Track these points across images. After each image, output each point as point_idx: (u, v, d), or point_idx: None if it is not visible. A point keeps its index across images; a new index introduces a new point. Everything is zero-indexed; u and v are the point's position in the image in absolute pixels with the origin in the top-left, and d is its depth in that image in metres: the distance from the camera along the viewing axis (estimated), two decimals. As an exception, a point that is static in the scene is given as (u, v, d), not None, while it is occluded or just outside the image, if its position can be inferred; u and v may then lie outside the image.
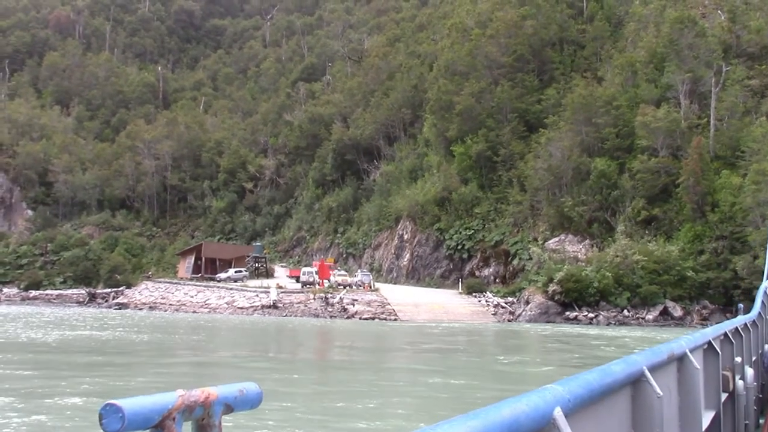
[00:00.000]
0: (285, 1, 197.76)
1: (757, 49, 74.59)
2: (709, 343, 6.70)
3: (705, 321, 59.38)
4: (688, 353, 5.24)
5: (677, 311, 60.26)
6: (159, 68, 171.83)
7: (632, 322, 58.87)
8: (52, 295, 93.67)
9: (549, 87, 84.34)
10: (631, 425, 3.72)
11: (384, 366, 28.75)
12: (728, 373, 7.40)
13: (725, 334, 7.58)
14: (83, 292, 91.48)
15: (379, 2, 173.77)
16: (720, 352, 6.94)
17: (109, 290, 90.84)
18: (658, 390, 3.76)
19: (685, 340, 5.41)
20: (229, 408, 1.87)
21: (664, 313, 60.25)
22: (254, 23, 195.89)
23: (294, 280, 78.45)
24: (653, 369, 3.92)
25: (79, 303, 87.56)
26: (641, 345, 36.98)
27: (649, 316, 59.74)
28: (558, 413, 2.23)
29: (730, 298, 60.62)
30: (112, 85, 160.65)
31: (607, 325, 57.49)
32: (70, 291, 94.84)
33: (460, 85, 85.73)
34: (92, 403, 15.90)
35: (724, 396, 7.14)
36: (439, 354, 33.20)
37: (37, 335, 38.96)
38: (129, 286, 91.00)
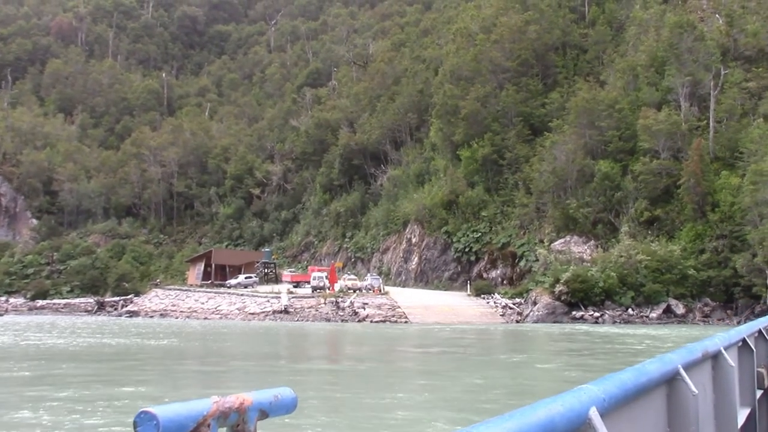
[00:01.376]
0: (289, 7, 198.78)
1: (754, 52, 76.05)
2: (744, 340, 6.61)
3: (707, 318, 61.03)
4: (723, 351, 5.23)
5: (680, 309, 61.73)
6: (163, 75, 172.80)
7: (637, 320, 60.32)
8: (59, 304, 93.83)
9: (553, 91, 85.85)
10: (666, 424, 3.76)
11: (416, 368, 30.21)
12: (763, 370, 7.32)
13: (759, 332, 7.45)
14: (91, 300, 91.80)
15: (383, 7, 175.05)
16: (755, 350, 6.84)
17: (118, 298, 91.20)
18: (693, 388, 3.79)
19: (719, 337, 5.41)
20: (264, 414, 1.89)
21: (667, 311, 61.70)
22: (258, 29, 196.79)
23: (293, 286, 79.32)
24: (688, 367, 3.94)
25: (88, 312, 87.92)
26: (645, 342, 38.52)
27: (653, 315, 61.19)
28: (593, 413, 2.25)
29: (731, 295, 62.32)
30: (115, 92, 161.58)
31: (613, 323, 58.91)
32: (77, 300, 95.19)
33: (465, 89, 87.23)
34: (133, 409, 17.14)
35: (759, 393, 7.02)
36: (461, 354, 34.61)
37: (65, 342, 40.48)
38: (137, 294, 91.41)
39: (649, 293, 61.97)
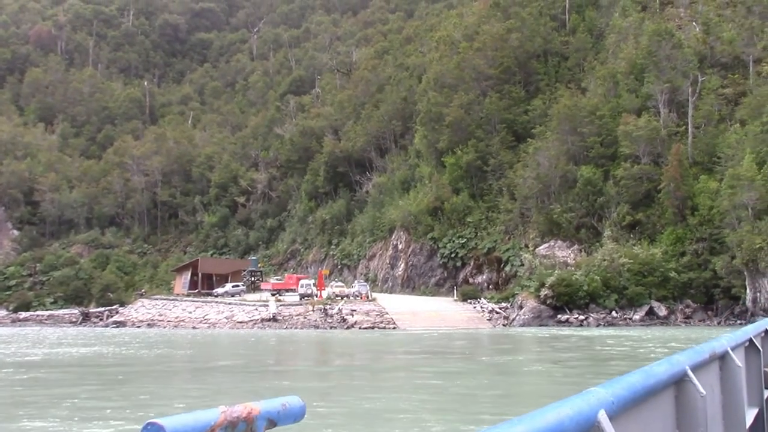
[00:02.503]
0: (271, 14, 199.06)
1: (730, 59, 77.87)
2: (750, 340, 6.63)
3: (688, 319, 62.36)
4: (730, 351, 5.25)
5: (662, 311, 63.01)
6: (145, 83, 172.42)
7: (620, 322, 61.47)
8: (43, 315, 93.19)
9: (535, 98, 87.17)
10: (675, 425, 3.78)
11: (415, 370, 30.99)
12: None
13: (766, 331, 7.42)
14: (76, 311, 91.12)
15: (366, 14, 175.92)
16: (761, 349, 6.83)
17: (103, 309, 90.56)
18: (701, 389, 3.80)
19: (726, 338, 5.42)
20: (272, 423, 1.87)
21: (650, 313, 62.92)
22: (241, 36, 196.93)
23: (271, 294, 79.53)
24: (695, 368, 3.95)
25: (73, 323, 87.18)
26: (628, 343, 39.58)
27: (636, 317, 62.41)
28: (602, 416, 2.25)
29: (711, 297, 63.78)
30: (96, 101, 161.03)
31: (597, 326, 60.03)
32: (61, 311, 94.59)
33: (449, 97, 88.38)
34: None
35: (767, 393, 6.99)
36: (454, 358, 35.47)
37: (57, 352, 40.92)
38: (122, 305, 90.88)
39: (632, 296, 63.18)
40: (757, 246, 57.04)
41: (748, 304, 59.60)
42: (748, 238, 57.77)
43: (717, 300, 63.58)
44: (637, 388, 2.81)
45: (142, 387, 25.17)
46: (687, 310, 63.63)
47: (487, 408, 18.74)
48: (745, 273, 59.23)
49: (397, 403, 19.74)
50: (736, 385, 5.24)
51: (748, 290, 59.34)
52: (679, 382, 3.78)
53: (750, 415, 6.08)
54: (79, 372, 30.39)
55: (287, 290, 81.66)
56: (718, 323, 61.01)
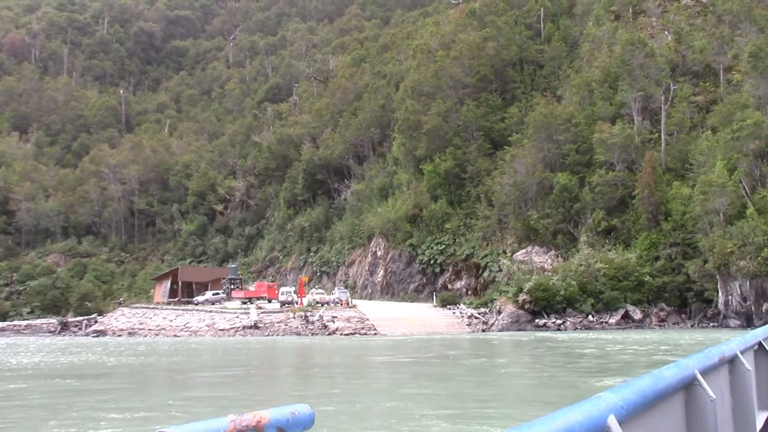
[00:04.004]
0: (247, 22, 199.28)
1: (701, 68, 79.72)
2: (760, 344, 6.62)
3: (662, 322, 63.68)
4: (739, 355, 5.25)
5: (637, 314, 64.27)
6: (120, 91, 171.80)
7: (597, 326, 62.56)
8: (20, 325, 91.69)
9: (511, 106, 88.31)
10: (684, 429, 3.77)
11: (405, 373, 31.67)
12: None
13: None
14: (54, 321, 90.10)
15: (342, 21, 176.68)
16: None
17: (81, 318, 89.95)
18: (711, 393, 3.79)
19: (736, 342, 5.41)
20: (281, 431, 1.89)
21: (626, 316, 64.11)
22: (216, 44, 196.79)
23: (242, 303, 79.65)
24: (705, 372, 3.95)
25: (51, 332, 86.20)
26: (602, 345, 40.60)
27: (612, 320, 63.59)
28: (612, 421, 2.26)
29: (685, 300, 65.24)
30: (72, 109, 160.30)
31: (574, 330, 61.06)
32: (39, 321, 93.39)
33: (426, 105, 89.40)
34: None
35: None
36: (439, 363, 36.21)
37: (48, 361, 41.10)
38: (101, 314, 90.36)
39: (608, 300, 64.38)
40: (728, 250, 58.51)
41: (720, 306, 61.08)
42: (720, 242, 59.25)
43: (690, 303, 65.02)
44: (646, 392, 2.86)
45: (159, 395, 25.63)
46: (661, 313, 64.93)
47: (476, 409, 19.48)
48: (717, 276, 60.67)
49: (396, 405, 20.39)
50: (745, 389, 5.26)
51: (719, 293, 60.79)
52: (688, 386, 3.82)
53: (760, 419, 6.05)
54: (82, 379, 30.72)
55: (258, 298, 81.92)
56: (692, 326, 62.48)
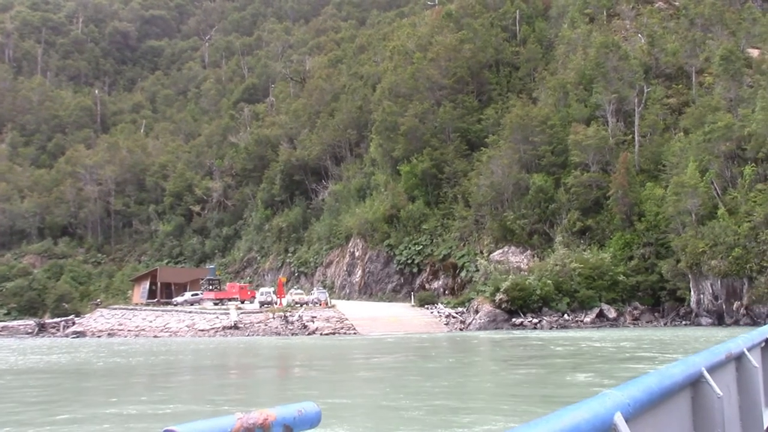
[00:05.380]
0: (222, 22, 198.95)
1: (673, 70, 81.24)
2: (767, 341, 6.62)
3: (636, 321, 64.87)
4: (746, 352, 5.23)
5: (612, 313, 65.35)
6: (95, 91, 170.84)
7: (572, 325, 63.56)
8: None
9: (488, 107, 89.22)
10: (692, 427, 3.77)
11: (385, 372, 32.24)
12: None
13: None
14: (31, 322, 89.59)
15: (318, 22, 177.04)
16: None
17: (59, 320, 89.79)
18: (718, 390, 3.79)
19: (742, 339, 5.40)
20: (288, 429, 1.90)
21: (600, 315, 65.14)
22: (192, 44, 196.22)
23: (214, 304, 79.47)
24: (712, 369, 3.94)
25: (29, 334, 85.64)
26: (576, 343, 41.53)
27: (587, 319, 64.59)
28: (618, 418, 2.29)
29: (658, 299, 66.54)
30: (46, 109, 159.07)
31: (550, 329, 61.92)
32: (15, 322, 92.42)
33: (404, 106, 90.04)
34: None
35: None
36: (421, 360, 36.83)
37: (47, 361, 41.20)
38: (78, 315, 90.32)
39: (583, 299, 65.35)
40: (700, 250, 59.86)
41: (693, 305, 62.43)
42: (692, 242, 60.59)
43: (663, 302, 66.28)
44: (653, 390, 2.86)
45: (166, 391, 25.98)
46: (635, 311, 66.06)
47: (457, 404, 20.13)
48: (689, 276, 61.98)
49: (380, 401, 20.96)
50: (753, 386, 5.25)
51: (692, 292, 62.12)
52: (695, 384, 3.81)
53: (767, 416, 6.04)
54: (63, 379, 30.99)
55: (230, 299, 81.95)
56: (665, 324, 63.76)
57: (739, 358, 5.20)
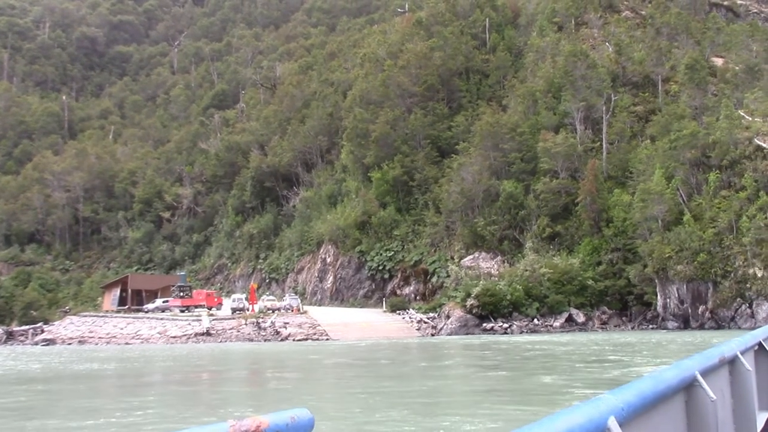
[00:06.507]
0: (192, 28, 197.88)
1: (640, 79, 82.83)
2: (760, 344, 6.60)
3: (604, 325, 65.95)
4: (739, 356, 5.23)
5: (580, 317, 66.35)
6: (63, 97, 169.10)
7: (542, 329, 64.29)
8: None
9: (458, 114, 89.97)
10: (686, 430, 3.77)
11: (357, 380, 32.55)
12: None
13: None
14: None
15: (288, 28, 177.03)
16: None
17: (27, 327, 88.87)
18: (711, 394, 3.79)
19: (736, 342, 5.39)
20: None
21: (569, 320, 66.08)
22: (161, 49, 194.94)
23: (180, 311, 78.77)
24: (705, 373, 3.94)
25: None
26: (542, 346, 42.25)
27: (556, 323, 65.44)
28: (612, 423, 2.29)
29: (625, 303, 67.75)
30: (13, 115, 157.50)
31: (521, 333, 62.60)
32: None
33: (375, 113, 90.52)
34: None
35: None
36: (394, 365, 37.22)
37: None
38: (47, 322, 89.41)
39: (553, 304, 66.23)
40: (667, 255, 61.14)
41: (659, 309, 63.67)
42: (658, 248, 61.86)
43: (631, 306, 67.47)
44: (646, 394, 2.85)
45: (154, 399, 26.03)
46: (603, 316, 67.15)
47: (432, 407, 20.56)
48: (656, 280, 63.24)
49: (355, 406, 21.31)
50: (746, 390, 5.24)
51: (658, 296, 63.38)
52: (688, 388, 3.81)
53: (761, 419, 6.02)
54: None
55: (196, 306, 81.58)
56: (632, 328, 64.91)
57: (732, 362, 5.21)
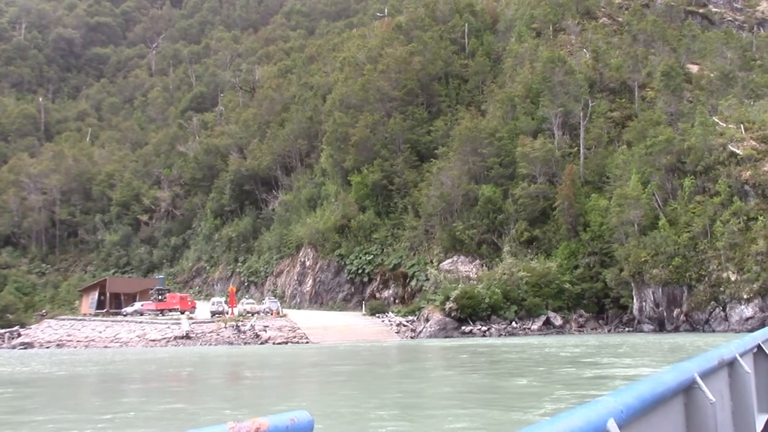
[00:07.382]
0: (170, 30, 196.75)
1: (617, 85, 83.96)
2: (759, 346, 6.60)
3: (582, 328, 66.76)
4: (738, 358, 5.23)
5: (558, 320, 67.07)
6: (39, 98, 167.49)
7: (520, 332, 64.85)
8: None
9: (437, 119, 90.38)
10: None
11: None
12: None
13: None
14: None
15: (267, 31, 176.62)
16: None
17: (4, 331, 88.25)
18: (711, 396, 3.78)
19: (735, 344, 5.40)
20: None
21: (547, 322, 66.70)
22: (138, 51, 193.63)
23: (156, 315, 78.48)
24: (704, 375, 3.94)
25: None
26: (520, 349, 42.81)
27: (534, 326, 66.06)
28: (611, 425, 2.29)
29: (602, 306, 68.67)
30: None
31: (499, 336, 63.13)
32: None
33: (354, 117, 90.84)
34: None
35: None
36: (375, 366, 37.54)
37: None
38: (23, 326, 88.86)
39: (530, 307, 66.79)
40: (642, 259, 62.01)
41: (635, 312, 64.55)
42: (635, 252, 62.74)
43: (607, 309, 68.37)
44: (645, 396, 2.85)
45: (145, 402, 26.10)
46: (580, 319, 67.96)
47: (415, 408, 20.92)
48: (632, 284, 64.10)
49: (340, 408, 21.61)
50: (745, 392, 5.24)
51: (634, 300, 64.26)
52: (687, 390, 3.80)
53: (760, 422, 6.01)
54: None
55: (170, 310, 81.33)
56: (609, 331, 65.76)
57: (731, 364, 5.22)
